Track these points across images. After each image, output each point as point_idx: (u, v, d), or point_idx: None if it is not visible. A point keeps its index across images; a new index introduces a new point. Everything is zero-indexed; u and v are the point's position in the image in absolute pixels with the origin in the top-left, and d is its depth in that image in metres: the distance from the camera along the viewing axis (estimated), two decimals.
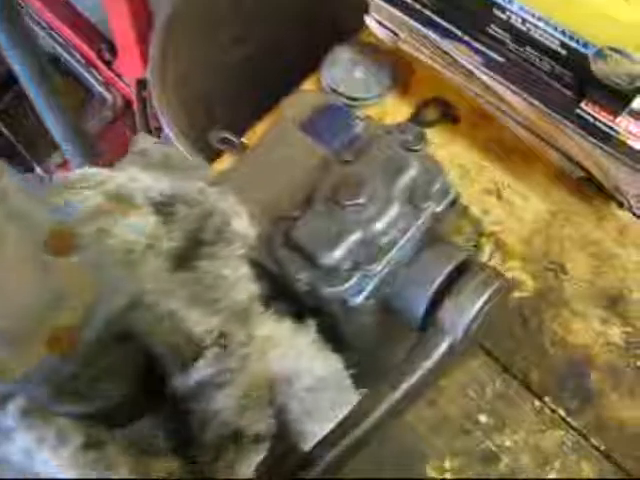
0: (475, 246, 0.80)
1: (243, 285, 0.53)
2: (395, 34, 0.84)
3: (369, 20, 0.86)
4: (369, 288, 0.52)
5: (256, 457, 0.53)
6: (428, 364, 0.51)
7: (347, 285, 0.51)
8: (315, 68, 0.90)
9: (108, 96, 1.72)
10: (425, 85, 0.88)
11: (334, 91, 0.85)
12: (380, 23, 0.85)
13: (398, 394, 0.51)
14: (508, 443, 0.72)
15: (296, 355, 0.54)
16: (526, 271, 0.78)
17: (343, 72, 0.86)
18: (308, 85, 0.88)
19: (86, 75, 1.74)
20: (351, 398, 0.59)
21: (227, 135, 0.83)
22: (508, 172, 0.84)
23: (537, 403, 0.73)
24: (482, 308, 0.52)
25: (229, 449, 0.52)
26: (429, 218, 0.54)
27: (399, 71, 0.89)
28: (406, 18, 0.77)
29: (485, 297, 0.52)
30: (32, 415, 0.45)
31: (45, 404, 0.45)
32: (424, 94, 0.87)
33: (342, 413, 0.57)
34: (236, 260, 0.54)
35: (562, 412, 0.72)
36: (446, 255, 0.54)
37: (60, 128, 1.21)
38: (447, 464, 0.72)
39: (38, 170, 1.72)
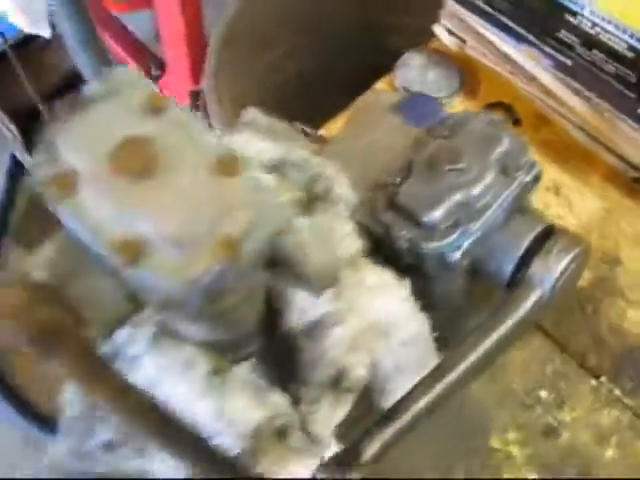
0: None
1: (350, 239, 0.58)
2: (463, 41, 0.91)
3: (438, 29, 0.93)
4: (466, 245, 0.57)
5: (346, 407, 0.57)
6: (518, 315, 0.56)
7: (447, 240, 0.56)
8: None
9: None
10: (490, 89, 0.93)
11: (407, 91, 0.91)
12: (449, 31, 0.91)
13: (488, 343, 0.55)
14: (567, 419, 0.76)
15: (399, 305, 0.58)
16: None
17: (416, 74, 0.92)
18: (380, 85, 0.94)
19: None
20: (433, 359, 0.61)
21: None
22: (566, 171, 0.89)
23: (594, 382, 0.77)
24: (567, 267, 0.57)
25: (329, 393, 0.56)
26: (519, 187, 0.59)
27: (466, 75, 0.94)
28: (482, 21, 0.83)
29: (570, 257, 0.57)
30: (162, 342, 0.50)
31: (175, 330, 0.49)
32: (489, 97, 0.93)
33: (423, 373, 0.59)
34: (342, 218, 0.59)
35: (618, 392, 0.76)
36: (534, 220, 0.59)
37: None
38: (511, 436, 0.75)
39: None
